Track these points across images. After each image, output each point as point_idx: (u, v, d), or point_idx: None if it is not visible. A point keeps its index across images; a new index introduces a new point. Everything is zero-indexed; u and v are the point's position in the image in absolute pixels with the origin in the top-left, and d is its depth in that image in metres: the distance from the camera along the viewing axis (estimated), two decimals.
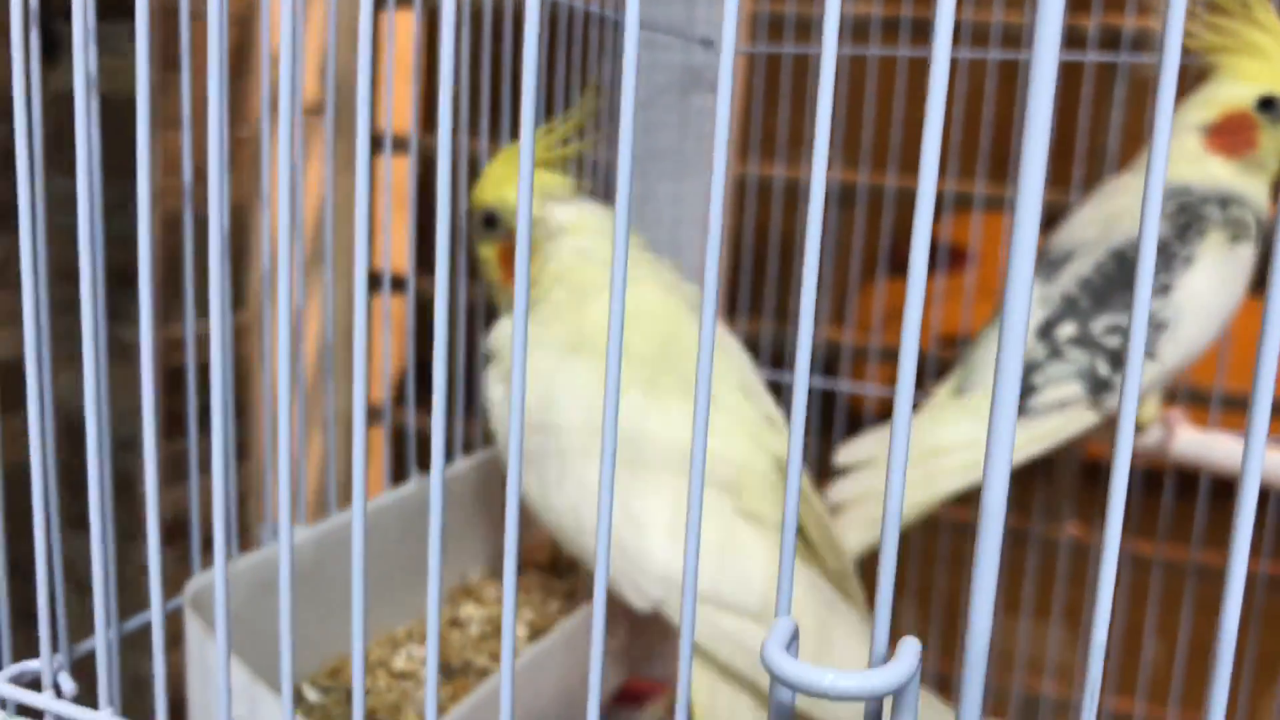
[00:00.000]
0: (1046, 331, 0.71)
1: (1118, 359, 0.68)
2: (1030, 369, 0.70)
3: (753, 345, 0.59)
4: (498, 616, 0.65)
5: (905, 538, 0.72)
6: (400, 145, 0.90)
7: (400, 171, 0.99)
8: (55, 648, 0.39)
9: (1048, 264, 0.73)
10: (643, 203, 0.92)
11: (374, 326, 1.21)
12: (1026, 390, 0.69)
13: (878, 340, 1.08)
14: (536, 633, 0.63)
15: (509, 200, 0.57)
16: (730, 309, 1.00)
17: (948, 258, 1.07)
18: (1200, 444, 0.74)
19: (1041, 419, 0.69)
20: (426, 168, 0.70)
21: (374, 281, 1.11)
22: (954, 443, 0.69)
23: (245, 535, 1.08)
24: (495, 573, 0.70)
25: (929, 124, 0.23)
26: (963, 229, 1.20)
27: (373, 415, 1.19)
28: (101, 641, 0.36)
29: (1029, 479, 0.98)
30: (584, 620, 0.57)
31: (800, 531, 0.56)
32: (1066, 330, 0.70)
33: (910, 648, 0.25)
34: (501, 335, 0.59)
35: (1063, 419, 0.69)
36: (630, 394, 0.54)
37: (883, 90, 0.92)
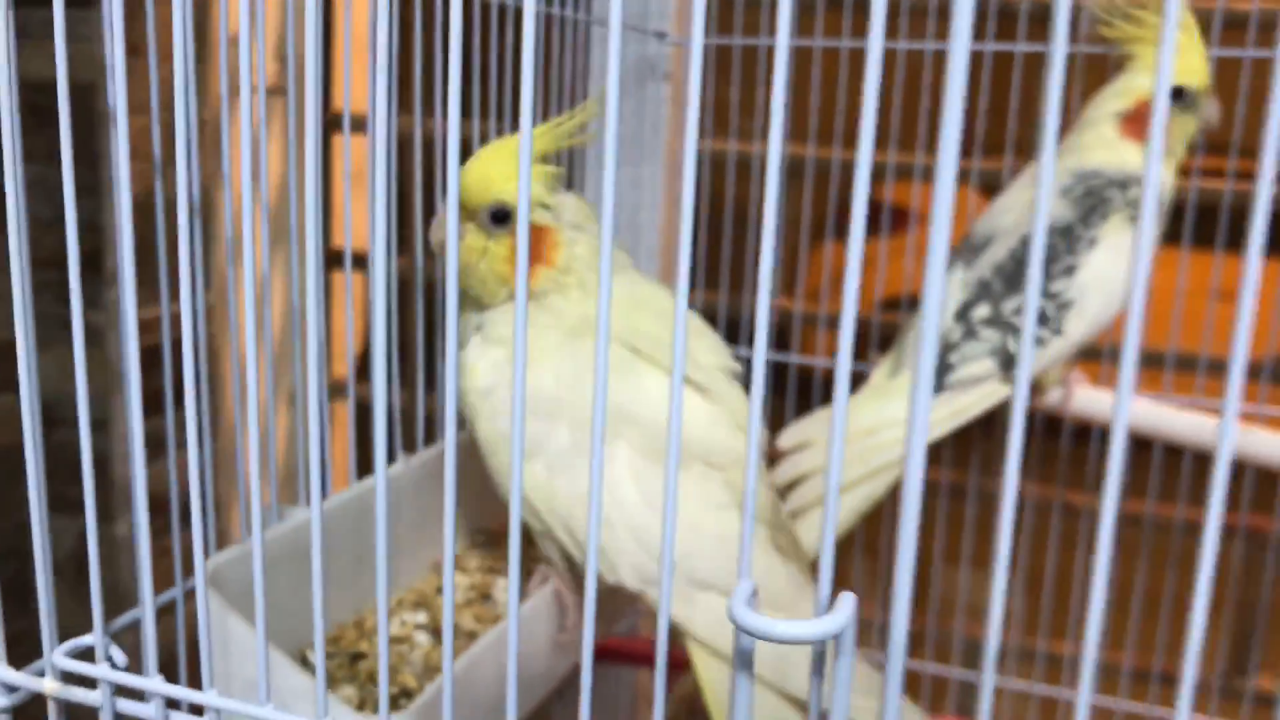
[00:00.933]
0: (963, 314, 0.77)
1: None
2: (948, 349, 0.76)
3: (710, 317, 0.63)
4: (480, 584, 0.70)
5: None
6: (359, 125, 0.94)
7: (360, 150, 1.03)
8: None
9: (969, 249, 0.79)
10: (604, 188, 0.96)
11: (335, 305, 1.24)
12: (945, 368, 0.75)
13: (826, 308, 1.14)
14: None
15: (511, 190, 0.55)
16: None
17: (891, 220, 1.13)
18: (1094, 400, 0.81)
19: (959, 394, 0.75)
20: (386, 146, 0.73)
21: (337, 260, 1.15)
22: (887, 421, 0.75)
23: (220, 510, 1.12)
24: (474, 544, 0.75)
25: (867, 97, 0.29)
26: (904, 194, 1.26)
27: (339, 391, 1.23)
28: (148, 613, 0.41)
29: (967, 437, 1.05)
30: (550, 590, 0.63)
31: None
32: (981, 312, 0.77)
33: (847, 600, 0.31)
34: (497, 324, 0.59)
35: (979, 393, 0.76)
36: (656, 377, 0.56)
37: (828, 75, 0.98)
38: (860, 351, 1.23)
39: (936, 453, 1.07)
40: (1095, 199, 0.76)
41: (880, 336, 1.06)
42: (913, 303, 1.07)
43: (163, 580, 0.48)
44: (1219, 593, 0.97)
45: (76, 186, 0.42)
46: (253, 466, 0.39)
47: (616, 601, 0.70)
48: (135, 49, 0.56)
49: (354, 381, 0.73)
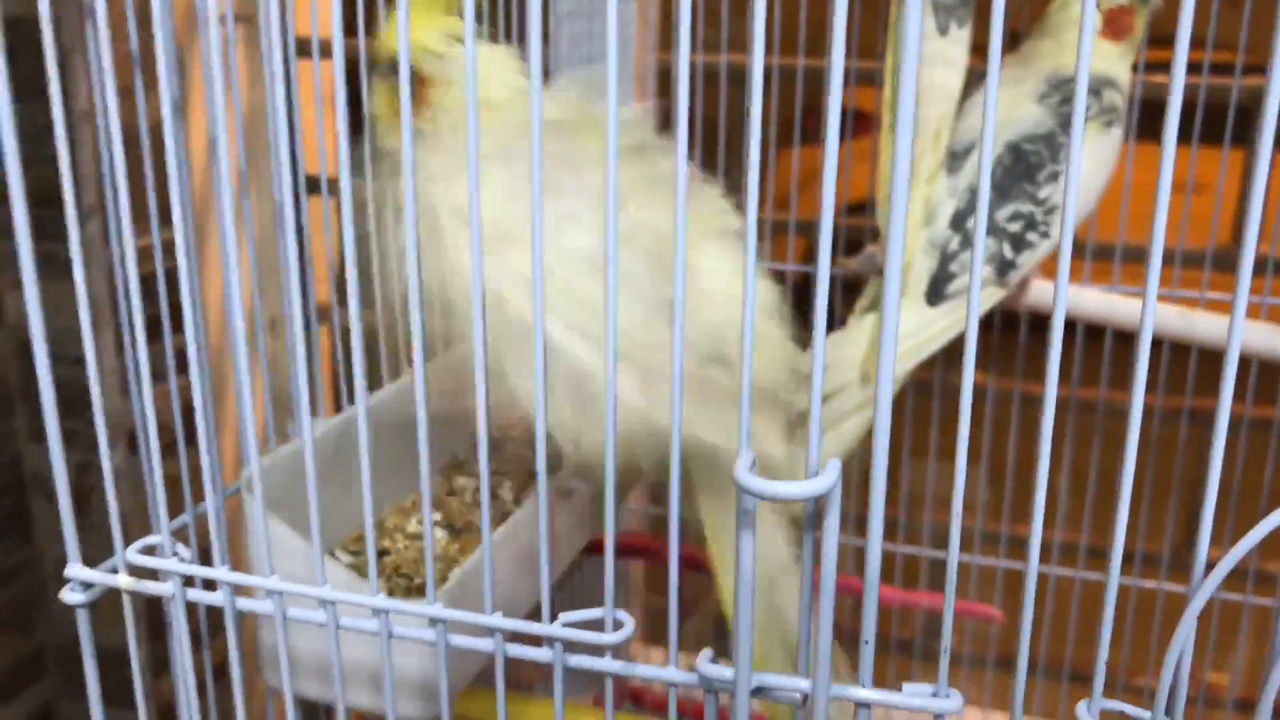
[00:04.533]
0: (958, 223, 0.78)
1: (1018, 241, 0.78)
2: (948, 258, 0.78)
3: None
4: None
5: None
6: (328, 50, 0.96)
7: (326, 75, 1.05)
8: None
9: (951, 156, 0.80)
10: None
11: (313, 229, 1.27)
12: (946, 278, 0.78)
13: (795, 215, 1.18)
14: (519, 496, 0.74)
15: (419, 43, 0.59)
16: None
17: (854, 123, 1.17)
18: (1047, 292, 0.85)
19: (960, 302, 0.77)
20: (352, 70, 0.75)
21: (311, 185, 1.17)
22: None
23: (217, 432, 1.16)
24: (475, 446, 0.81)
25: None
26: (866, 98, 1.30)
27: (325, 315, 1.26)
28: (212, 507, 0.46)
29: None
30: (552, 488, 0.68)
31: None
32: (974, 222, 0.80)
33: (833, 466, 0.37)
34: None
35: (979, 299, 0.80)
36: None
37: None
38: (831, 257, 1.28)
39: None
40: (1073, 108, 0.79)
41: (847, 241, 1.11)
42: (863, 207, 1.11)
43: (174, 504, 0.51)
44: (1167, 471, 1.05)
45: (50, 121, 0.44)
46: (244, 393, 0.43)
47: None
48: None
49: (335, 305, 0.75)
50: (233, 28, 0.51)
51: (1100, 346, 1.01)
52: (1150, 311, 0.34)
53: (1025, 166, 0.78)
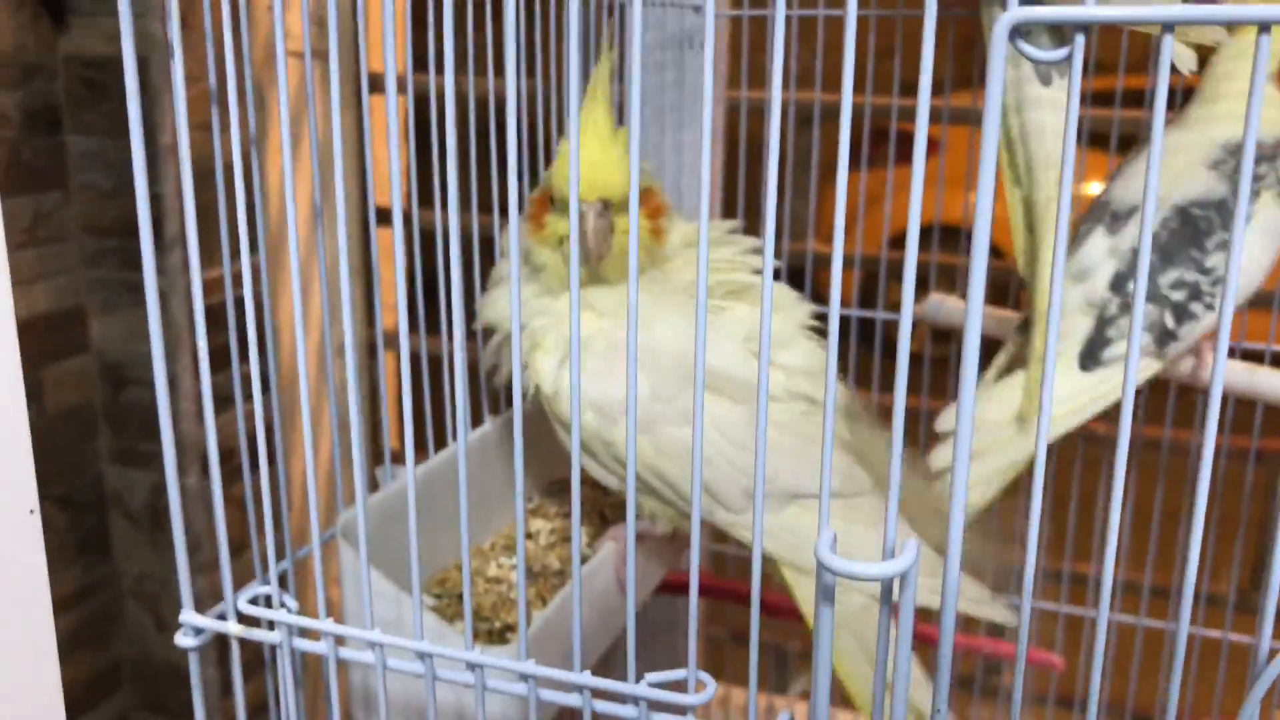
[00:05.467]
0: (1119, 285, 0.74)
1: (1181, 311, 0.73)
2: (1105, 322, 0.73)
3: None
4: (560, 528, 0.78)
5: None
6: (401, 86, 1.00)
7: (400, 110, 1.09)
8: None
9: (1112, 216, 0.76)
10: (651, 154, 1.03)
11: (382, 258, 1.31)
12: (1103, 342, 0.73)
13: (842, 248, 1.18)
14: (592, 540, 0.77)
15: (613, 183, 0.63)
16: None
17: (897, 149, 1.17)
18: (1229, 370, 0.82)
19: (1114, 370, 0.73)
20: (421, 106, 0.75)
21: (381, 216, 1.21)
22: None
23: (287, 459, 1.19)
24: (549, 494, 0.84)
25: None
26: (931, 124, 1.31)
27: (391, 343, 1.30)
28: (318, 560, 0.49)
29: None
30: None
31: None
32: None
33: (911, 545, 0.39)
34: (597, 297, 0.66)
35: (1144, 366, 0.74)
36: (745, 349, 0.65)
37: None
38: (868, 298, 1.29)
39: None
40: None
41: (889, 275, 1.11)
42: (927, 234, 1.10)
43: (236, 526, 0.52)
44: (1235, 511, 1.05)
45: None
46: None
47: (676, 545, 0.78)
48: (186, 23, 0.58)
49: (407, 334, 0.77)
50: (310, 64, 0.53)
51: (1165, 385, 1.01)
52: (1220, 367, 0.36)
53: (1193, 232, 0.73)
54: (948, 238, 1.19)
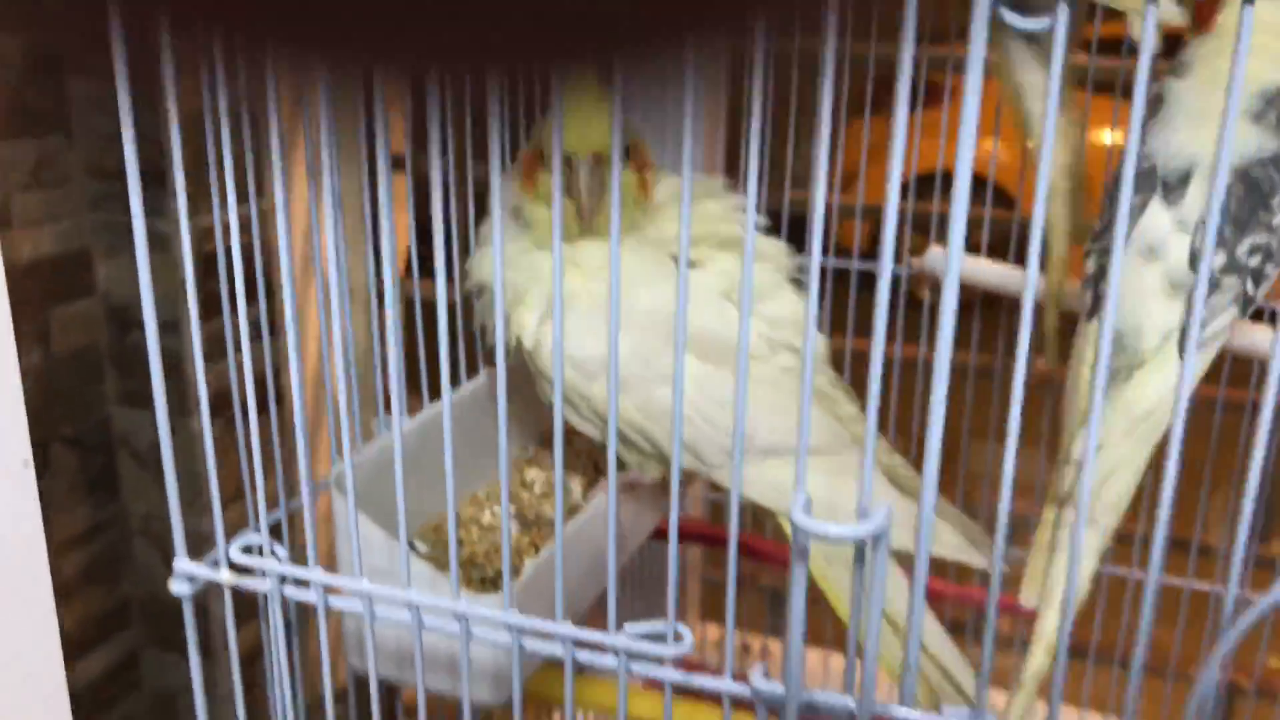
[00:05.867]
0: (1196, 262, 0.70)
1: (1259, 276, 0.71)
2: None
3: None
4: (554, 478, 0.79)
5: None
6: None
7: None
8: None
9: (1164, 185, 0.73)
10: (654, 110, 1.02)
11: (397, 207, 1.31)
12: (1201, 324, 0.68)
13: (862, 198, 1.18)
14: (586, 489, 0.78)
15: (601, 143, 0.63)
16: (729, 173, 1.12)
17: (924, 92, 1.16)
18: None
19: (1210, 347, 0.71)
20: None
21: (398, 163, 1.21)
22: (1159, 400, 0.70)
23: (280, 405, 1.20)
24: (545, 443, 0.84)
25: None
26: (938, 71, 1.29)
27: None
28: (308, 510, 0.50)
29: (994, 321, 1.10)
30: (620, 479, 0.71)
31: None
32: (1217, 260, 0.70)
33: (882, 508, 0.39)
34: (590, 259, 0.65)
35: (1224, 338, 0.72)
36: (726, 304, 0.65)
37: None
38: (896, 254, 1.28)
39: (965, 337, 1.13)
40: None
41: (914, 223, 1.10)
42: (947, 181, 1.10)
43: (232, 472, 0.54)
44: (1240, 465, 1.05)
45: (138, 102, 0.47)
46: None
47: (668, 492, 0.79)
48: None
49: (397, 281, 0.77)
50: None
51: None
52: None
53: (1259, 195, 0.71)
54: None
